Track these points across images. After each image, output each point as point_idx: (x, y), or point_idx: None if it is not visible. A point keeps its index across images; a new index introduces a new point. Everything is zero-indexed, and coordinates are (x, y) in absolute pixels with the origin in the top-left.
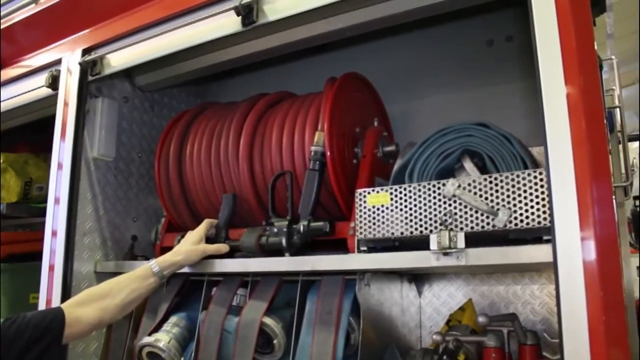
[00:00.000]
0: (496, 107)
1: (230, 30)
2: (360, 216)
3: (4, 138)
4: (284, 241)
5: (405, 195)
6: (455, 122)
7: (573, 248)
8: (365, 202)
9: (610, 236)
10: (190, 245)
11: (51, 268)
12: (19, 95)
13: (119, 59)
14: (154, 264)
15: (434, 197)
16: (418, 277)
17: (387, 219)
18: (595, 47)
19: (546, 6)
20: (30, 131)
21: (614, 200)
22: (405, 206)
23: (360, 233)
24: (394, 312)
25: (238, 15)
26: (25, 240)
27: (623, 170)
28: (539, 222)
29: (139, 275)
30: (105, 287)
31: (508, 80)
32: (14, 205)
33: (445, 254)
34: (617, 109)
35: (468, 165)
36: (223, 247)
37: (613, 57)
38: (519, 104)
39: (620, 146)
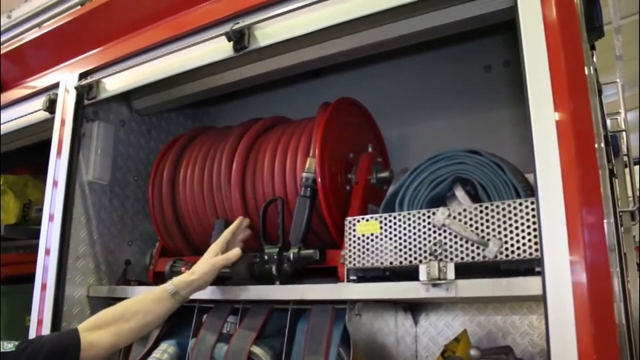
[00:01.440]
0: (494, 133)
1: (222, 56)
2: (350, 245)
3: (5, 160)
4: (274, 269)
5: (394, 223)
6: (448, 149)
7: (563, 281)
8: (354, 230)
9: (602, 268)
10: (204, 264)
11: (43, 287)
12: (19, 117)
13: (114, 83)
14: (170, 285)
15: (424, 227)
16: (414, 306)
17: (377, 248)
18: (593, 70)
19: (535, 32)
20: (30, 153)
21: (606, 227)
22: (395, 235)
23: (350, 262)
24: (387, 341)
25: (229, 40)
26: (23, 262)
27: (630, 194)
28: (531, 254)
29: (154, 298)
30: (119, 309)
31: (506, 105)
32: (13, 227)
33: (435, 285)
34: (623, 133)
35: (460, 193)
36: (232, 255)
37: (618, 80)
38: (518, 130)
39: (627, 170)
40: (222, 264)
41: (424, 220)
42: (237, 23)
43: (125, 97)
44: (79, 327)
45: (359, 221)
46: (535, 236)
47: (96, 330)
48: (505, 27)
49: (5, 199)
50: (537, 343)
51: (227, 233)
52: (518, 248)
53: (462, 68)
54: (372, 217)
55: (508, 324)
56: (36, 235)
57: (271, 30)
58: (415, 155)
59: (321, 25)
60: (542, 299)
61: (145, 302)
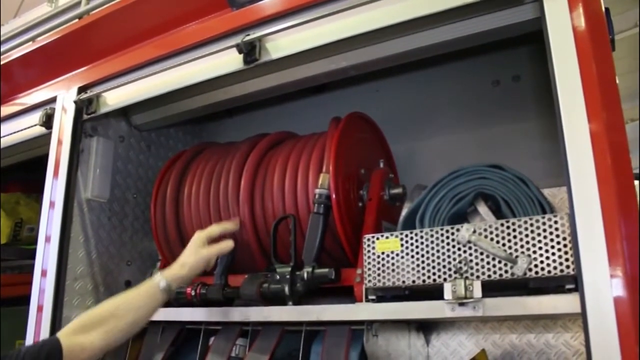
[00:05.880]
0: (502, 148)
1: (232, 69)
2: (369, 263)
3: None
4: (286, 289)
5: (417, 241)
6: (467, 164)
7: (603, 298)
8: (373, 248)
9: None
10: (194, 255)
11: (39, 309)
12: (11, 133)
13: (115, 97)
14: (161, 280)
15: (448, 244)
16: (425, 325)
17: (398, 267)
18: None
19: (564, 42)
20: (22, 170)
21: None
22: (417, 252)
23: (369, 281)
24: None
25: (240, 52)
26: (14, 283)
27: None
28: (562, 270)
29: (144, 294)
30: (108, 308)
31: (514, 120)
32: (3, 247)
33: (461, 304)
34: None
35: (483, 209)
36: (225, 246)
37: None
38: (525, 145)
39: None
40: (215, 255)
41: (447, 237)
42: (248, 35)
43: (125, 112)
44: (60, 333)
45: (378, 239)
46: (566, 252)
47: (83, 333)
48: (515, 41)
49: None
50: None
51: (216, 228)
52: (548, 265)
53: (471, 83)
54: (392, 235)
55: (524, 343)
56: (28, 255)
57: (282, 42)
58: (422, 171)
59: (335, 38)
60: (562, 316)
61: (135, 298)
